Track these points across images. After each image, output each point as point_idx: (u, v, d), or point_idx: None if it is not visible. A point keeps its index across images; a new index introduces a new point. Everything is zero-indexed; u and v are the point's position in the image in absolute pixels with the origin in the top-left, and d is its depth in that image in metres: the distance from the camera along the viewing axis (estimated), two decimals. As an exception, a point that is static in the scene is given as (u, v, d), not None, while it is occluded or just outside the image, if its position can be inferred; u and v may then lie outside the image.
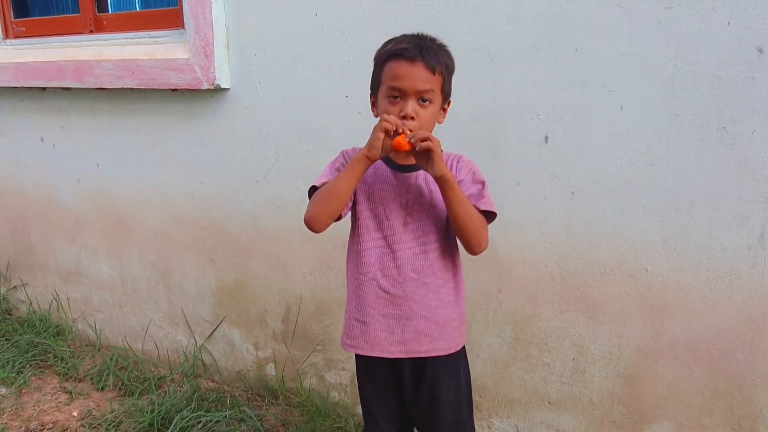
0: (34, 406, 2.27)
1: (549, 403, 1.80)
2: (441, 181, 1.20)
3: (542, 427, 1.82)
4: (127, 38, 2.39)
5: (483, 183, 1.30)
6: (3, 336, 2.71)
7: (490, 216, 1.30)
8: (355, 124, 1.89)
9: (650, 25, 1.48)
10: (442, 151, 1.32)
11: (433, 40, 1.26)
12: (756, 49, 1.39)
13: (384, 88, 1.25)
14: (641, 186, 1.56)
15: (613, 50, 1.53)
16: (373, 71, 1.30)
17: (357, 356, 1.45)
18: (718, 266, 1.52)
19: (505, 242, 1.75)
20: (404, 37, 1.25)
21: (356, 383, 1.49)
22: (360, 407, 1.52)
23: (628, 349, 1.66)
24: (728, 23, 1.41)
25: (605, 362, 1.70)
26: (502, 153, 1.70)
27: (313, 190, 1.34)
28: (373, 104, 1.32)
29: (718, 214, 1.50)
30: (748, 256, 1.49)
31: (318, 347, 2.17)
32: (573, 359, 1.74)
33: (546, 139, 1.65)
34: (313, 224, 1.31)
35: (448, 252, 1.33)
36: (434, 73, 1.21)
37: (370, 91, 1.33)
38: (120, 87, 2.32)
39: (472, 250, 1.29)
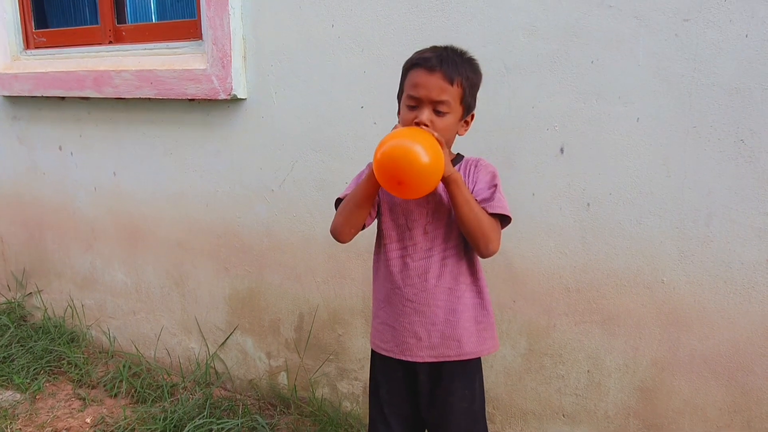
0: (48, 412, 2.29)
1: (563, 416, 1.79)
2: (446, 181, 1.20)
3: (556, 440, 1.81)
4: (145, 49, 2.42)
5: (496, 186, 1.30)
6: (18, 342, 2.73)
7: (504, 220, 1.30)
8: (371, 135, 1.90)
9: (667, 37, 1.48)
10: (457, 154, 1.34)
11: (459, 53, 1.27)
12: (774, 61, 1.39)
13: (404, 97, 1.28)
14: (658, 198, 1.56)
15: (629, 62, 1.53)
16: (400, 80, 1.32)
17: (374, 358, 1.46)
18: (735, 279, 1.51)
19: (520, 253, 1.75)
20: (431, 48, 1.28)
21: (367, 394, 1.49)
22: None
23: (644, 362, 1.65)
24: (746, 36, 1.41)
25: (621, 375, 1.68)
26: (517, 164, 1.70)
27: (339, 202, 1.37)
28: (399, 113, 1.34)
29: (736, 227, 1.49)
30: (767, 269, 1.47)
31: (331, 356, 2.17)
32: (588, 371, 1.73)
33: (562, 150, 1.65)
34: (338, 235, 1.36)
35: (468, 257, 1.34)
36: (452, 84, 1.22)
37: (397, 100, 1.35)
38: (138, 97, 2.35)
39: (480, 252, 1.29)
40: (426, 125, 1.22)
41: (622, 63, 1.54)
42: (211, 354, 2.45)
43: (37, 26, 2.82)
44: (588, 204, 1.64)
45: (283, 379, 2.30)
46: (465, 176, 1.31)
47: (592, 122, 1.60)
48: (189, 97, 2.23)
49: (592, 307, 1.69)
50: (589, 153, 1.62)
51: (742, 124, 1.44)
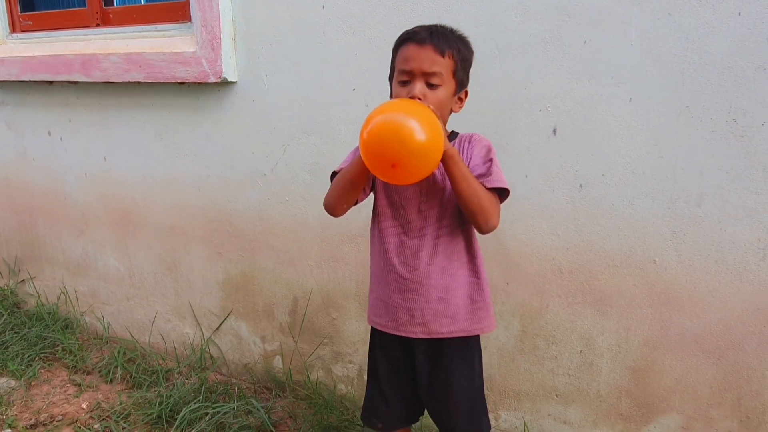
0: (43, 398, 2.29)
1: (556, 396, 1.80)
2: (444, 156, 1.16)
3: (549, 420, 1.83)
4: (133, 31, 2.39)
5: (491, 160, 1.28)
6: (12, 329, 2.72)
7: (502, 193, 1.29)
8: (363, 117, 1.85)
9: (660, 16, 1.47)
10: (451, 131, 1.34)
11: (449, 29, 1.27)
12: (767, 39, 1.38)
13: (396, 73, 1.26)
14: (650, 178, 1.56)
15: (622, 42, 1.52)
16: (391, 61, 1.31)
17: (373, 335, 1.47)
18: (727, 258, 1.52)
19: (513, 235, 1.75)
20: (420, 26, 1.27)
21: (363, 377, 1.51)
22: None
23: (635, 341, 1.66)
24: (739, 14, 1.40)
25: (613, 355, 1.70)
26: (510, 145, 1.70)
27: (334, 175, 1.36)
28: (391, 95, 1.32)
29: (728, 207, 1.49)
30: (758, 249, 1.48)
31: (325, 340, 2.17)
32: (580, 352, 1.74)
33: (554, 131, 1.64)
34: (331, 210, 1.34)
35: (464, 235, 1.33)
36: (443, 56, 1.21)
37: (389, 83, 1.33)
38: (127, 80, 2.32)
39: (479, 228, 1.28)
40: (419, 99, 1.20)
41: (614, 43, 1.53)
42: (205, 339, 2.45)
43: (23, 9, 2.77)
44: (581, 185, 1.64)
45: (278, 362, 2.31)
46: (460, 152, 1.30)
47: (585, 103, 1.59)
48: (179, 81, 2.20)
49: (584, 288, 1.70)
50: (582, 134, 1.61)
51: (735, 104, 1.44)
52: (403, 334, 1.36)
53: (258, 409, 2.10)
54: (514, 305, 1.80)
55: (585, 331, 1.72)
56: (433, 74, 1.21)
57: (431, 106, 1.16)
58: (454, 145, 1.28)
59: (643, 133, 1.54)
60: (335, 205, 1.33)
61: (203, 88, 2.20)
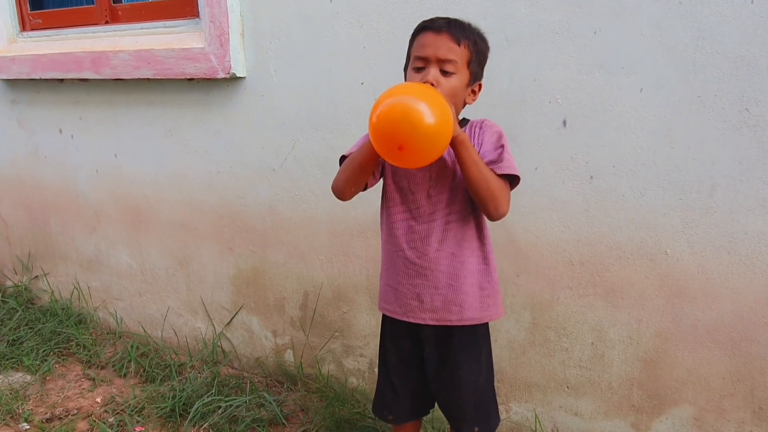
0: (58, 392, 2.32)
1: (567, 388, 1.80)
2: (453, 142, 1.16)
3: (561, 411, 1.83)
4: (142, 28, 2.40)
5: (503, 147, 1.28)
6: (26, 325, 2.76)
7: (513, 180, 1.28)
8: (371, 111, 1.89)
9: (671, 5, 1.46)
10: (463, 118, 1.34)
11: (467, 22, 1.28)
12: (780, 28, 1.37)
13: (411, 60, 1.27)
14: (661, 169, 1.55)
15: (632, 32, 1.51)
16: (407, 50, 1.31)
17: (384, 324, 1.47)
18: (739, 249, 1.51)
19: (523, 227, 1.75)
20: (438, 16, 1.28)
21: (374, 370, 1.51)
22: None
23: (647, 333, 1.66)
24: (752, 2, 1.38)
25: (624, 346, 1.70)
26: (520, 137, 1.69)
27: (343, 159, 1.36)
28: None
29: (740, 197, 1.48)
30: (771, 239, 1.47)
31: (336, 334, 2.18)
32: (591, 344, 1.74)
33: (564, 123, 1.64)
34: (339, 193, 1.35)
35: (474, 222, 1.33)
36: (459, 45, 1.22)
37: (404, 73, 1.33)
38: (137, 77, 2.33)
39: (489, 215, 1.28)
40: (432, 84, 1.20)
41: (625, 33, 1.52)
42: (217, 333, 2.47)
43: (33, 7, 2.79)
44: (591, 177, 1.63)
45: (289, 356, 2.32)
46: (471, 138, 1.30)
47: (595, 94, 1.58)
48: (188, 77, 2.21)
49: (595, 279, 1.69)
50: (592, 125, 1.60)
51: (747, 93, 1.43)
52: (412, 320, 1.36)
53: (270, 403, 2.11)
54: (525, 297, 1.80)
55: (596, 323, 1.72)
56: (448, 61, 1.21)
57: (441, 92, 1.16)
58: (464, 131, 1.28)
59: (654, 124, 1.53)
60: (344, 189, 1.33)
61: (212, 84, 2.21)
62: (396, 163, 1.15)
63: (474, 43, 1.25)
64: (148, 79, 2.33)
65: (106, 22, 2.53)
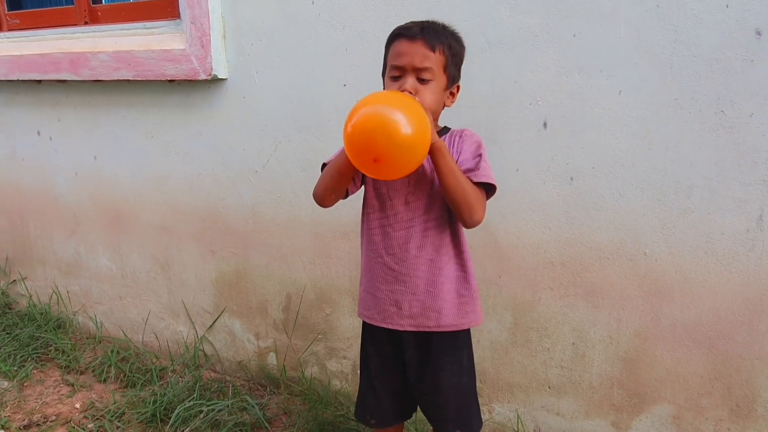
0: (36, 399, 2.28)
1: (549, 388, 1.81)
2: (431, 149, 1.16)
3: (542, 411, 1.84)
4: (122, 29, 2.37)
5: (480, 156, 1.28)
6: (4, 330, 2.71)
7: (489, 189, 1.29)
8: (354, 113, 1.88)
9: (648, 9, 1.48)
10: (443, 127, 1.35)
11: (441, 25, 1.27)
12: (754, 31, 1.39)
13: (388, 69, 1.27)
14: (640, 170, 1.57)
15: (611, 34, 1.53)
16: (383, 57, 1.31)
17: (365, 330, 1.47)
18: (716, 249, 1.53)
19: (505, 228, 1.76)
20: (412, 21, 1.28)
21: (357, 372, 1.51)
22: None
23: (627, 333, 1.68)
24: (726, 6, 1.41)
25: (605, 346, 1.71)
26: (501, 139, 1.70)
27: (324, 167, 1.37)
28: None
29: (717, 197, 1.50)
30: (747, 239, 1.50)
31: (319, 336, 2.17)
32: (573, 344, 1.75)
33: (545, 124, 1.65)
34: (319, 200, 1.35)
35: (452, 229, 1.34)
36: (434, 51, 1.22)
37: (382, 78, 1.34)
38: (116, 79, 2.31)
39: (464, 222, 1.28)
40: (410, 93, 1.20)
41: (603, 36, 1.54)
42: (199, 337, 2.45)
43: (10, 8, 2.75)
44: (571, 178, 1.65)
45: (272, 359, 2.31)
46: (450, 146, 1.30)
47: (575, 96, 1.60)
48: (169, 78, 2.19)
49: (576, 280, 1.71)
50: (572, 127, 1.62)
51: (723, 96, 1.45)
52: (390, 326, 1.36)
53: (252, 406, 2.10)
54: (507, 298, 1.81)
55: (577, 323, 1.73)
56: (424, 69, 1.21)
57: (417, 99, 1.17)
58: (444, 140, 1.29)
59: (632, 126, 1.55)
60: (324, 196, 1.34)
61: (193, 86, 2.19)
62: (372, 174, 1.14)
63: (449, 47, 1.24)
64: (128, 80, 2.30)
65: (86, 23, 2.50)
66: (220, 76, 2.10)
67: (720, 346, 1.58)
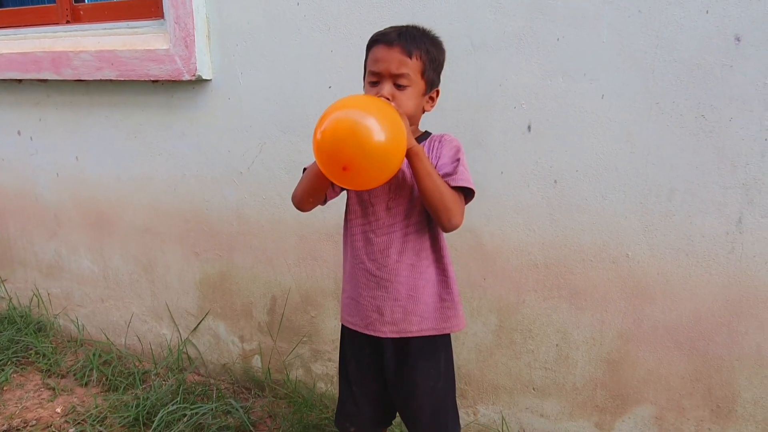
0: (16, 403, 2.24)
1: (533, 389, 1.82)
2: (408, 154, 1.16)
3: (527, 413, 1.85)
4: (105, 29, 2.35)
5: (459, 160, 1.28)
6: (-18, 333, 2.66)
7: (468, 194, 1.29)
8: (339, 115, 1.88)
9: (631, 14, 1.50)
10: (424, 132, 1.35)
11: (421, 30, 1.27)
12: (733, 37, 1.42)
13: (366, 75, 1.28)
14: (622, 173, 1.58)
15: (594, 39, 1.54)
16: (364, 61, 1.31)
17: (343, 335, 1.46)
18: (697, 251, 1.55)
19: (489, 231, 1.77)
20: (391, 27, 1.28)
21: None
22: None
23: (610, 334, 1.69)
24: (706, 12, 1.43)
25: (588, 348, 1.72)
26: (485, 142, 1.71)
27: (305, 171, 1.36)
28: None
29: (697, 201, 1.52)
30: (726, 242, 1.52)
31: (304, 338, 2.17)
32: (556, 345, 1.76)
33: (529, 128, 1.66)
34: (298, 203, 1.36)
35: (431, 233, 1.34)
36: (411, 57, 1.21)
37: (363, 82, 1.33)
38: (99, 78, 2.28)
39: (443, 226, 1.28)
40: (388, 99, 1.20)
41: (587, 40, 1.55)
42: (183, 339, 2.43)
43: (-10, 6, 2.71)
44: (555, 181, 1.66)
45: (256, 362, 2.29)
46: (429, 152, 1.30)
47: (559, 99, 1.61)
48: (152, 79, 2.17)
49: (560, 282, 1.72)
50: (556, 130, 1.63)
51: (703, 100, 1.47)
52: (372, 333, 1.36)
53: (237, 410, 2.08)
54: (491, 300, 1.82)
55: (561, 324, 1.74)
56: (401, 75, 1.21)
57: (394, 105, 1.17)
58: (423, 145, 1.29)
59: (615, 129, 1.57)
60: (302, 200, 1.34)
61: (177, 86, 2.17)
62: (342, 184, 1.09)
63: (426, 52, 1.24)
64: (111, 80, 2.28)
65: (67, 22, 2.47)
66: (204, 77, 2.08)
67: (701, 347, 1.60)
